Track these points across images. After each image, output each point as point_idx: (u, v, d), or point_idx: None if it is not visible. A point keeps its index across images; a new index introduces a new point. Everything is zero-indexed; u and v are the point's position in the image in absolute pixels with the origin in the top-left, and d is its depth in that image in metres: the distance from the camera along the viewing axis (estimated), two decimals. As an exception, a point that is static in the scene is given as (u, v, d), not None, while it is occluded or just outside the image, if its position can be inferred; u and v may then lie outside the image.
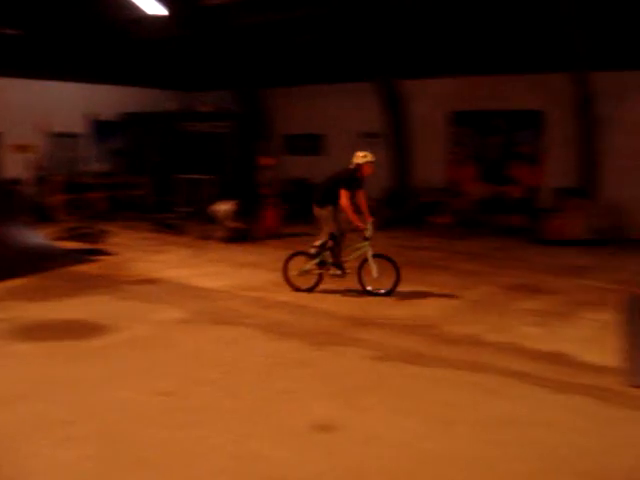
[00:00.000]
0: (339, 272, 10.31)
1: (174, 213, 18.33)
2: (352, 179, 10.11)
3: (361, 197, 10.45)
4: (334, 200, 10.02)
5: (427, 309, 9.45)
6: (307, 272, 10.45)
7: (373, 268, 9.94)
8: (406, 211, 19.59)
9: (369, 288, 10.21)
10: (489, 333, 8.22)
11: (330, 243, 10.26)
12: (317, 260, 10.36)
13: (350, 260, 10.35)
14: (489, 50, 18.62)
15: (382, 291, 10.11)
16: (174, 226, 16.98)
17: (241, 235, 15.63)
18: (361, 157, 10.11)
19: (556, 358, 7.28)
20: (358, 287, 10.26)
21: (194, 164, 20.07)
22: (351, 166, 10.16)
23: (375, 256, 10.04)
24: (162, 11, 19.63)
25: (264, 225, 16.32)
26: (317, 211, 10.33)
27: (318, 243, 10.37)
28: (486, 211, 18.78)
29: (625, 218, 16.97)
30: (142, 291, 10.35)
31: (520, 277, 11.90)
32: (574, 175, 18.01)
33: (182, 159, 20.78)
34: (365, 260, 10.12)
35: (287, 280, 10.57)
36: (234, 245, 15.09)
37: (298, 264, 10.51)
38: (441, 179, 20.36)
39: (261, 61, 23.02)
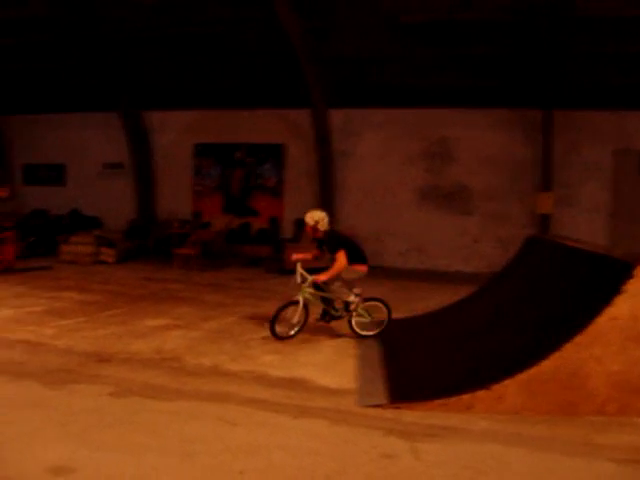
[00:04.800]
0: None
1: None
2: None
3: None
4: None
5: (170, 342, 9.35)
6: None
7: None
8: (151, 243, 19.40)
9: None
10: (230, 363, 8.29)
11: None
12: None
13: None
14: (231, 84, 19.05)
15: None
16: None
17: (-27, 270, 14.60)
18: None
19: (294, 384, 7.49)
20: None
21: None
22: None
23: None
24: None
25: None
26: None
27: None
28: (231, 242, 19.07)
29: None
30: None
31: (261, 307, 12.16)
32: (314, 206, 18.83)
33: None
34: None
35: None
36: (-35, 281, 14.06)
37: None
38: (187, 210, 20.43)
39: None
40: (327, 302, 9.83)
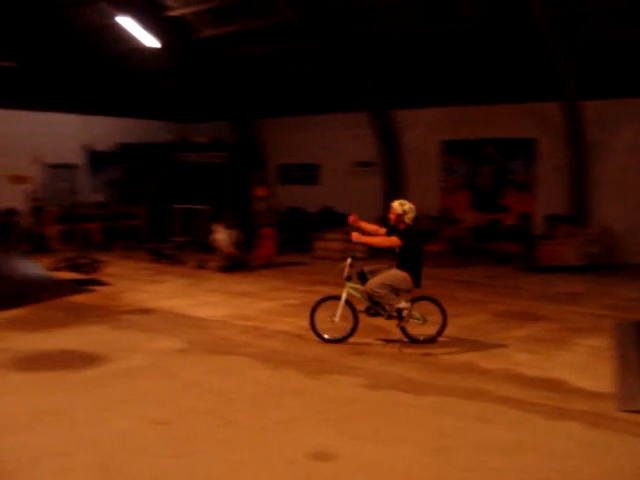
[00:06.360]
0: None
1: (170, 243, 18.40)
2: None
3: None
4: None
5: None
6: None
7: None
8: (400, 239, 19.67)
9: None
10: (484, 360, 8.28)
11: None
12: None
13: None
14: (479, 80, 18.87)
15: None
16: (170, 256, 17.02)
17: (238, 264, 15.68)
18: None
19: (550, 384, 7.34)
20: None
21: (190, 194, 20.20)
22: None
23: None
24: (157, 44, 19.95)
25: (260, 254, 16.37)
26: None
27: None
28: (480, 239, 18.88)
29: (616, 243, 17.11)
30: (138, 321, 10.37)
31: (514, 304, 11.98)
32: (566, 202, 18.16)
33: (178, 189, 20.91)
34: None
35: None
36: (230, 274, 15.15)
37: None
38: (435, 207, 20.49)
39: (256, 92, 23.28)
40: (371, 299, 9.13)
